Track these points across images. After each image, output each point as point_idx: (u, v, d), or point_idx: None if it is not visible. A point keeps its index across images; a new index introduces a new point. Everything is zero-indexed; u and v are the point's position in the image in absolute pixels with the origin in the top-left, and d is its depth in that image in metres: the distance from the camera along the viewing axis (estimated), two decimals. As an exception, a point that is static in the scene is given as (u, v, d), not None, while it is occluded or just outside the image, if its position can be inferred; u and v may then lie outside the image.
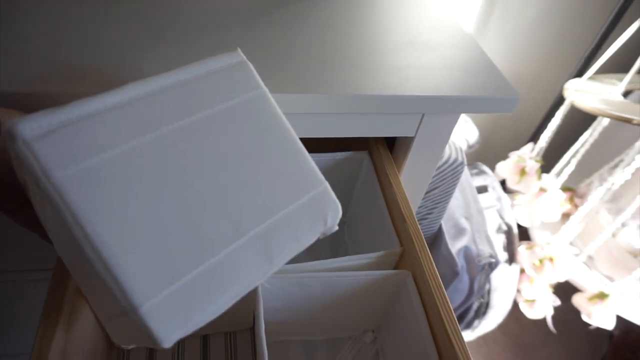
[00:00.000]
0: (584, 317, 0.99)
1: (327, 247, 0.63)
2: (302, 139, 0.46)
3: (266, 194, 0.31)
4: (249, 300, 0.46)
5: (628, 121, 0.72)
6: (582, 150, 0.96)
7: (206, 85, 0.32)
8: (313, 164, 0.35)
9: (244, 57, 0.35)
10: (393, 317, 0.48)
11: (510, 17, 1.05)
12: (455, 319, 0.39)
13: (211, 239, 0.28)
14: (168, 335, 0.25)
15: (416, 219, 0.46)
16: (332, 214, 0.34)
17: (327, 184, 0.35)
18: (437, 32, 0.54)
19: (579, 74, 1.00)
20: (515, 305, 1.11)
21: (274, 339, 0.50)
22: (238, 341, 0.51)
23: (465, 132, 1.02)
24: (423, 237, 0.44)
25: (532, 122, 1.21)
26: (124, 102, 0.28)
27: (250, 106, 0.33)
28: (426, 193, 0.66)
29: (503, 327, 1.34)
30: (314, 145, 0.53)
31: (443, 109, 0.45)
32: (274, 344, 0.51)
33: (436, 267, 0.42)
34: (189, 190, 0.28)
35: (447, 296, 0.40)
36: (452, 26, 0.56)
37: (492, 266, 0.75)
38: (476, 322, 1.03)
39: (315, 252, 0.59)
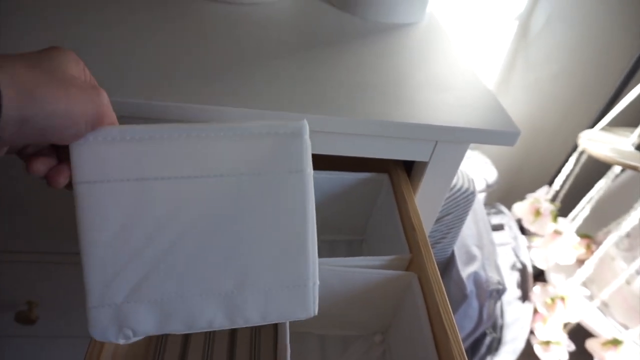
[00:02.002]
0: (597, 363, 1.00)
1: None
2: (331, 157, 0.54)
3: (246, 266, 0.33)
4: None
5: (635, 168, 0.77)
6: (597, 197, 1.00)
7: (250, 147, 0.32)
8: (310, 260, 0.35)
9: (306, 132, 0.33)
10: (400, 320, 0.54)
11: (531, 70, 1.14)
12: (453, 319, 0.45)
13: (180, 280, 0.33)
14: (101, 335, 0.32)
15: (425, 230, 0.53)
16: (300, 313, 0.36)
17: (311, 284, 0.35)
18: (454, 76, 0.63)
19: (594, 125, 1.06)
20: (531, 351, 1.12)
21: (293, 330, 0.57)
22: (262, 331, 0.58)
23: (484, 173, 1.08)
24: (430, 245, 0.51)
25: (552, 169, 1.26)
26: (165, 137, 0.31)
27: (281, 184, 0.33)
28: (441, 218, 0.72)
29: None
30: (340, 163, 0.62)
31: (453, 138, 0.53)
32: (292, 335, 0.57)
33: (447, 290, 0.48)
34: (178, 238, 0.32)
35: (447, 298, 0.46)
36: (467, 72, 0.65)
37: (499, 293, 0.79)
38: (488, 358, 1.05)
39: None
